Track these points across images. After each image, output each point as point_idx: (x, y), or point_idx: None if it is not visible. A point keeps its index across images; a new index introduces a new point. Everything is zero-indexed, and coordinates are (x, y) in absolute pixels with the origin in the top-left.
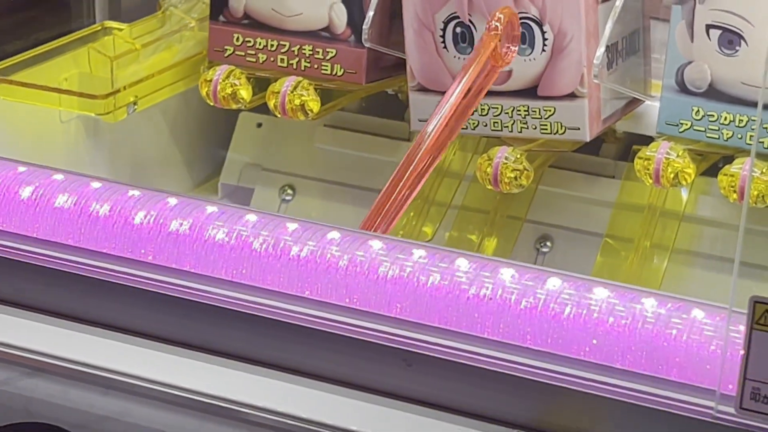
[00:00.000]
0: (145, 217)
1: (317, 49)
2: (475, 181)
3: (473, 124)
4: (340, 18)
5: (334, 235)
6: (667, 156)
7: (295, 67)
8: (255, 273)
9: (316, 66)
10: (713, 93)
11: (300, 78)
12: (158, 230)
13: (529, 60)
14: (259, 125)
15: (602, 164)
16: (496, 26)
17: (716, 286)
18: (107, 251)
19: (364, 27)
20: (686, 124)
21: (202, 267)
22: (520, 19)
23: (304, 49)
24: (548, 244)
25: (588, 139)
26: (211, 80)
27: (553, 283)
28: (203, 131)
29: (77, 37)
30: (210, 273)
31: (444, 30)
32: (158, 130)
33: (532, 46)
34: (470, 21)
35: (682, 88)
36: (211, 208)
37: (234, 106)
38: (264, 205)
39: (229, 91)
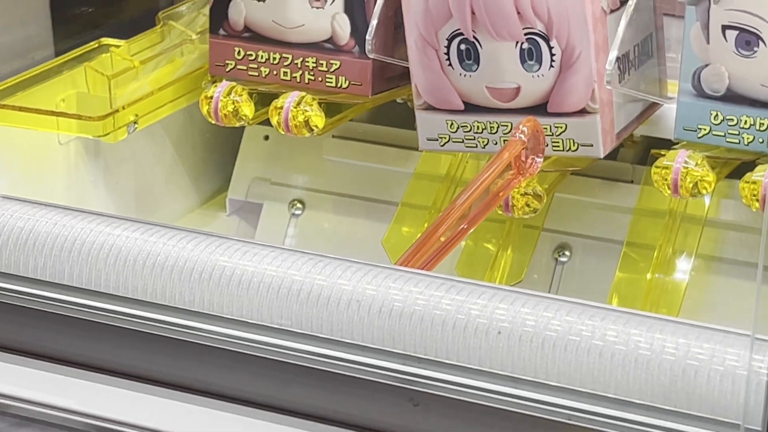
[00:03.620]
0: (138, 253)
1: (321, 61)
2: None
3: (483, 142)
4: (343, 29)
5: (339, 267)
6: (686, 165)
7: (298, 80)
8: (255, 309)
9: (320, 78)
10: (732, 96)
11: (303, 93)
12: (152, 266)
13: (538, 76)
14: (267, 138)
15: (620, 169)
16: (521, 137)
17: (742, 293)
18: (95, 289)
19: (367, 38)
20: (705, 129)
21: (200, 304)
22: (526, 34)
23: (308, 62)
24: (566, 253)
25: (602, 156)
26: (211, 97)
27: (569, 313)
28: (209, 146)
29: (74, 56)
30: (210, 311)
31: (448, 47)
32: (162, 146)
33: (539, 62)
34: (475, 38)
35: (699, 92)
36: (206, 240)
37: (237, 124)
38: (273, 220)
39: (230, 108)
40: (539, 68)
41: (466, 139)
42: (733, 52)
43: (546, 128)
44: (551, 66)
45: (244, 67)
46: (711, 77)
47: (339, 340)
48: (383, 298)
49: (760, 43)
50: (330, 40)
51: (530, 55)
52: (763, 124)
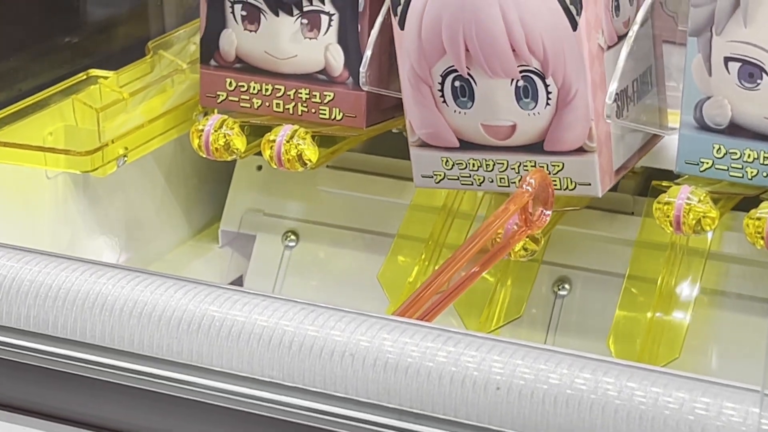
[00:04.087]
0: (124, 302)
1: (314, 93)
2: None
3: (479, 179)
4: (337, 59)
5: (332, 317)
6: (688, 201)
7: (291, 111)
8: (245, 361)
9: (313, 110)
10: (735, 129)
11: (296, 126)
12: (138, 315)
13: (534, 114)
14: (260, 168)
15: (621, 200)
16: (528, 189)
17: (747, 328)
18: (80, 339)
19: (361, 70)
20: (707, 163)
21: (188, 356)
22: (521, 72)
23: (300, 93)
24: (566, 286)
25: (600, 195)
26: (202, 131)
27: (569, 366)
28: (201, 176)
29: (62, 88)
30: (199, 363)
31: (442, 84)
32: (152, 178)
33: (535, 99)
34: (469, 74)
35: (702, 124)
36: (194, 289)
37: (228, 158)
38: (267, 252)
39: (222, 142)
40: (535, 106)
41: (462, 177)
42: (736, 84)
43: (542, 167)
44: (547, 104)
45: (236, 99)
46: (713, 110)
47: (332, 393)
48: (377, 350)
49: (764, 75)
50: (323, 71)
51: (526, 93)
52: (767, 157)
